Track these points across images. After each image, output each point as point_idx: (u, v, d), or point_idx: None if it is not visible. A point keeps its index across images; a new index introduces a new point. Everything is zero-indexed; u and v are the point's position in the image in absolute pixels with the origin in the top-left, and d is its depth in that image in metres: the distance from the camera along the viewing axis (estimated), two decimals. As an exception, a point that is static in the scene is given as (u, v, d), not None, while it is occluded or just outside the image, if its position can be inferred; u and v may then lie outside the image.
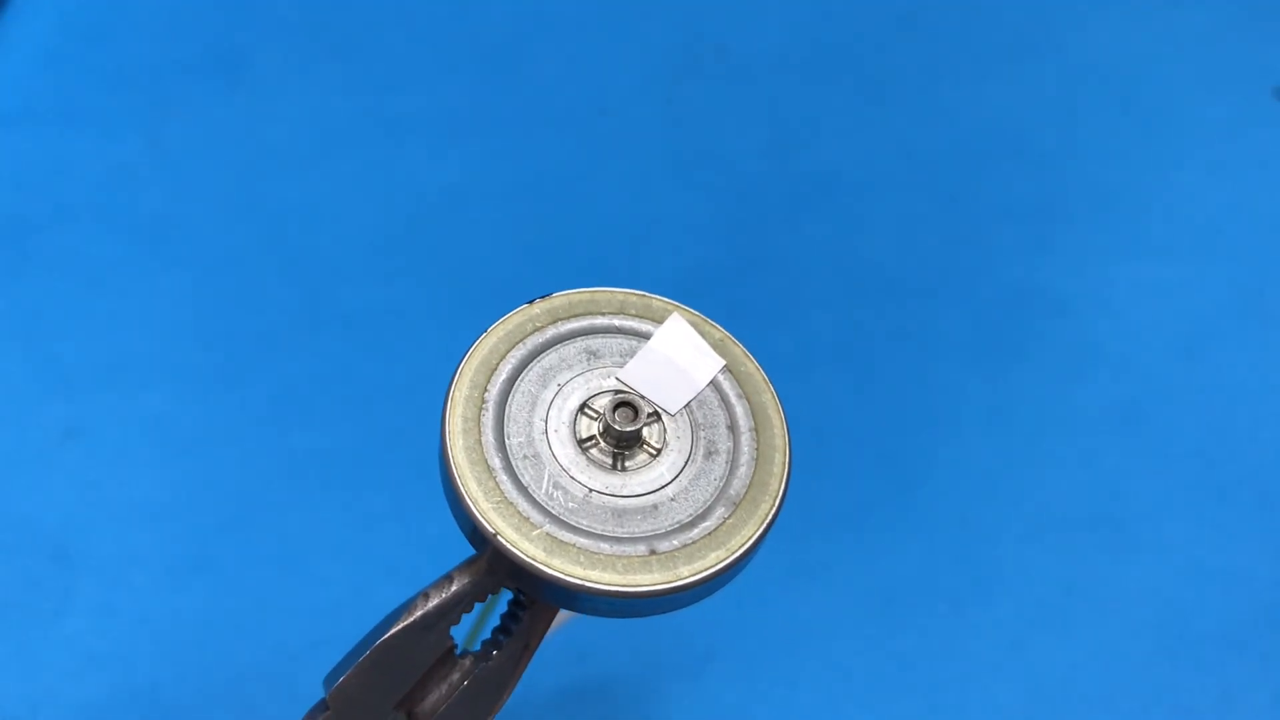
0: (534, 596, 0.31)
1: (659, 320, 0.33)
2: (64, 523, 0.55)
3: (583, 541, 0.29)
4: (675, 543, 0.29)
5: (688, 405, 0.32)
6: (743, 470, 0.31)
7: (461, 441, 0.30)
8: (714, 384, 0.32)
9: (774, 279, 0.66)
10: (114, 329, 0.61)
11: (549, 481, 0.30)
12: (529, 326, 0.32)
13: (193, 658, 0.52)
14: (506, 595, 0.32)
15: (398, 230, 0.67)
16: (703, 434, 0.31)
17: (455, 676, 0.31)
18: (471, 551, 0.31)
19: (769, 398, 0.32)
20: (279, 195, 0.68)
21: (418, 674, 0.31)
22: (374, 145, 0.70)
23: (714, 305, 0.34)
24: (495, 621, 0.32)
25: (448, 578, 0.31)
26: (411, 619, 0.30)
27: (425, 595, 0.31)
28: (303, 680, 0.51)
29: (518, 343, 0.32)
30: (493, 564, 0.30)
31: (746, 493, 0.31)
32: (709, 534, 0.30)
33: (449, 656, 0.31)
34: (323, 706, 0.31)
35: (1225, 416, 0.62)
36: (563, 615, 0.32)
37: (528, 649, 0.31)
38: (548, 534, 0.29)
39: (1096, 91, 0.77)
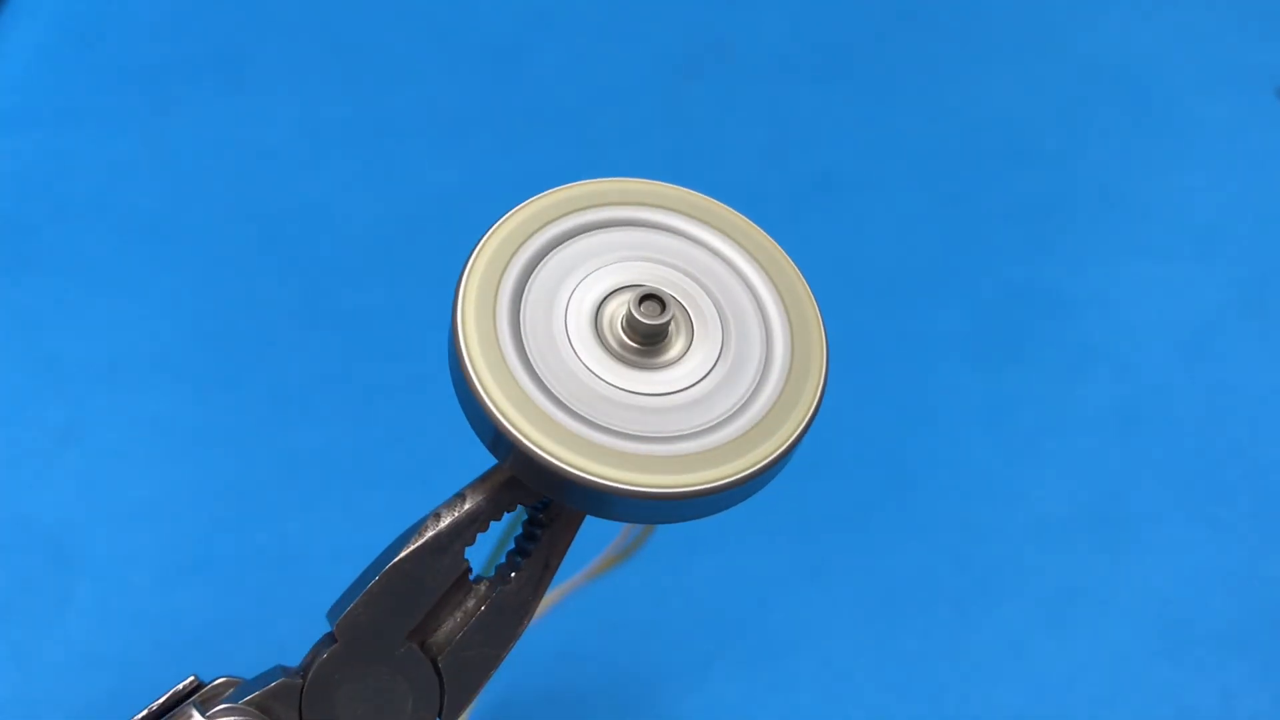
0: (561, 503, 0.28)
1: (689, 215, 0.30)
2: (63, 523, 0.55)
3: (609, 441, 0.26)
4: (706, 442, 0.27)
5: (715, 299, 0.29)
6: (778, 367, 0.28)
7: (476, 338, 0.27)
8: (743, 280, 0.30)
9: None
10: (113, 329, 0.61)
11: (571, 378, 0.27)
12: (545, 216, 0.30)
13: (192, 658, 0.52)
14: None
15: (397, 230, 0.67)
16: (734, 329, 0.29)
17: (471, 603, 0.29)
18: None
19: (803, 291, 0.30)
20: (278, 195, 0.68)
21: (430, 601, 0.28)
22: (373, 145, 0.70)
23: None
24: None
25: (460, 495, 0.28)
26: (422, 541, 0.28)
27: (436, 515, 0.28)
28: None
29: (533, 233, 0.29)
30: (516, 468, 0.27)
31: (782, 391, 0.28)
32: (742, 434, 0.27)
33: (463, 582, 0.29)
34: (329, 640, 0.29)
35: (1225, 416, 0.62)
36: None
37: (548, 569, 0.29)
38: (574, 433, 0.26)
39: (1098, 91, 0.77)
